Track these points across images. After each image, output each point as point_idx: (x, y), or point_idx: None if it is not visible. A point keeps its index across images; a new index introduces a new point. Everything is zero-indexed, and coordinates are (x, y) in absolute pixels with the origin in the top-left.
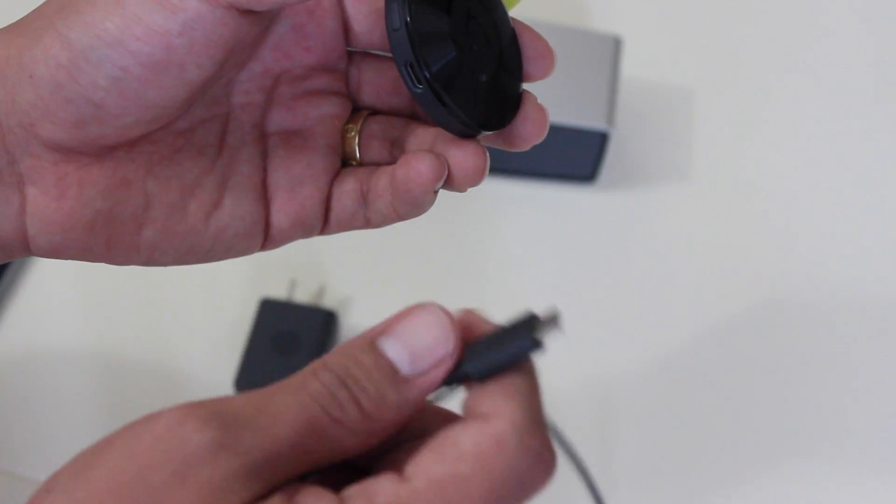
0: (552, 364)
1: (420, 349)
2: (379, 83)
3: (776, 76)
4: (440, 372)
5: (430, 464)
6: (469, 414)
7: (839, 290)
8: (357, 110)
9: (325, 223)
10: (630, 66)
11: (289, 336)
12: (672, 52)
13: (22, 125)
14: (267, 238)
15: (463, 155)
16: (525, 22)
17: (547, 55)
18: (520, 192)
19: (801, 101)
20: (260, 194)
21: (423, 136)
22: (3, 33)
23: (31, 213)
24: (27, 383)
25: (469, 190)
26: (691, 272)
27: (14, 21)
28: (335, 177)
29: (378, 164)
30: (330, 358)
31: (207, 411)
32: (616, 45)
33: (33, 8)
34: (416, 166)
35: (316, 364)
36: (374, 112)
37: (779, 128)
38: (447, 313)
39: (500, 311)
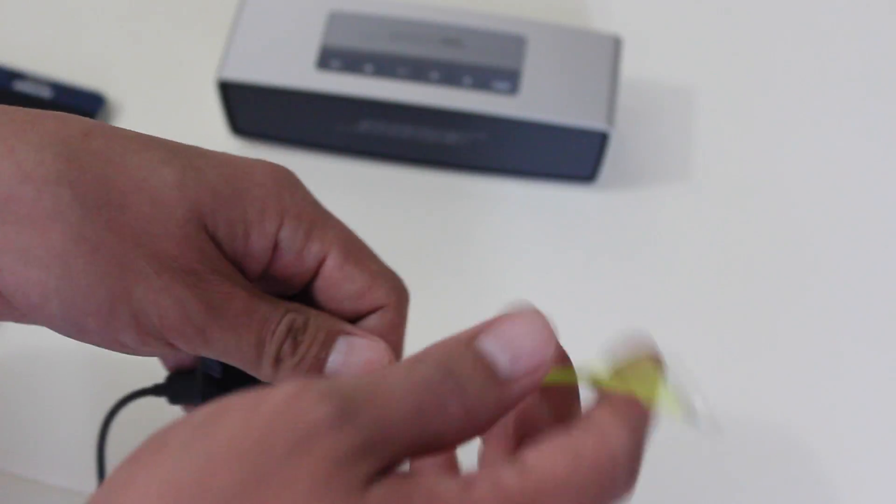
0: None
1: (521, 353)
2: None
3: (776, 76)
4: (537, 377)
5: (552, 460)
6: (589, 415)
7: (840, 290)
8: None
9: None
10: (630, 66)
11: None
12: (672, 52)
13: None
14: None
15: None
16: (525, 22)
17: None
18: (520, 191)
19: (802, 100)
20: None
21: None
22: None
23: None
24: (27, 383)
25: (469, 190)
26: (691, 272)
27: None
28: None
29: None
30: (432, 350)
31: (325, 386)
32: (616, 45)
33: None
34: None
35: (419, 353)
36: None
37: (779, 127)
38: (548, 321)
39: (500, 312)
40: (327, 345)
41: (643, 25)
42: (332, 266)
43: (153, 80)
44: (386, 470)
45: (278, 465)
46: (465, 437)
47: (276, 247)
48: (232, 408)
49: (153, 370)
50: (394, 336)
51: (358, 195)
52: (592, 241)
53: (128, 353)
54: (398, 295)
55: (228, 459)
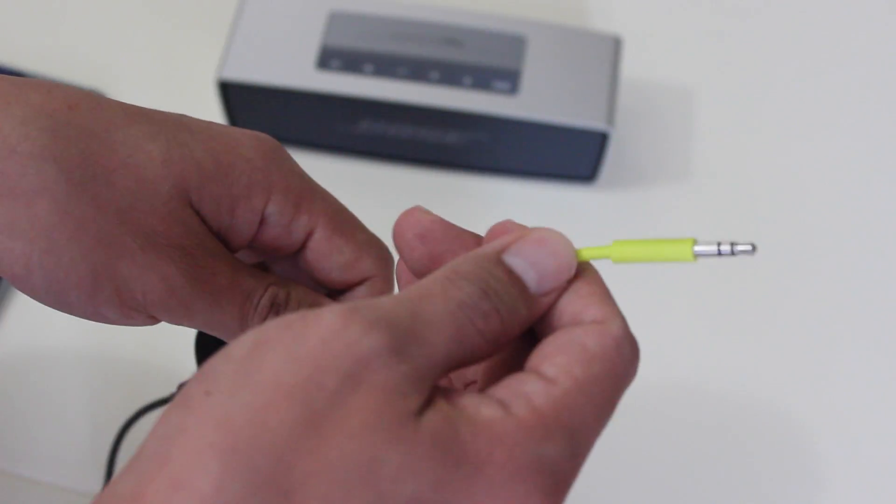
0: None
1: (547, 273)
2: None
3: (776, 76)
4: (556, 295)
5: (570, 366)
6: (577, 320)
7: (840, 290)
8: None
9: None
10: (630, 66)
11: None
12: (672, 52)
13: None
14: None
15: None
16: (525, 22)
17: None
18: (520, 191)
19: (801, 100)
20: None
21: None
22: None
23: None
24: (27, 383)
25: (469, 190)
26: (691, 272)
27: None
28: None
29: None
30: (463, 267)
31: (370, 315)
32: (616, 45)
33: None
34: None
35: (451, 272)
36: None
37: (778, 127)
38: (569, 242)
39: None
40: None
41: (643, 25)
42: (320, 238)
43: (153, 80)
44: (435, 396)
45: (331, 400)
46: (496, 349)
47: (263, 221)
48: (275, 341)
49: (154, 370)
50: None
51: (358, 195)
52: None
53: (108, 324)
54: (386, 264)
55: (282, 398)
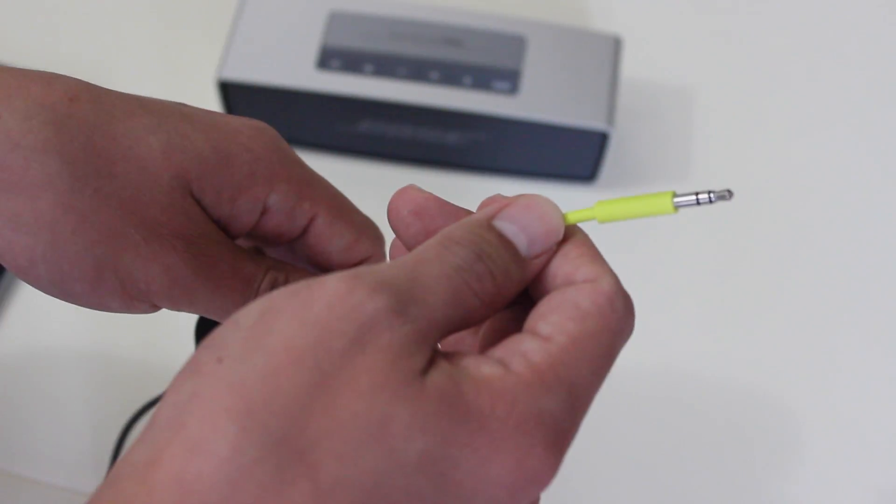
0: None
1: (536, 236)
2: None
3: (776, 76)
4: (546, 258)
5: (564, 323)
6: (570, 280)
7: (840, 290)
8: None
9: None
10: (630, 66)
11: None
12: (672, 52)
13: None
14: None
15: None
16: (525, 22)
17: None
18: (520, 191)
19: (801, 100)
20: None
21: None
22: None
23: None
24: (27, 383)
25: (469, 190)
26: (691, 272)
27: None
28: None
29: None
30: (456, 233)
31: (372, 279)
32: (616, 45)
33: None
34: None
35: (444, 238)
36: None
37: (778, 127)
38: (557, 206)
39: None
40: None
41: (643, 25)
42: (321, 224)
43: (153, 80)
44: (436, 358)
45: (340, 362)
46: (492, 311)
47: (264, 209)
48: (282, 308)
49: (154, 369)
50: None
51: (358, 195)
52: (592, 240)
53: (111, 312)
54: (381, 244)
55: (292, 362)
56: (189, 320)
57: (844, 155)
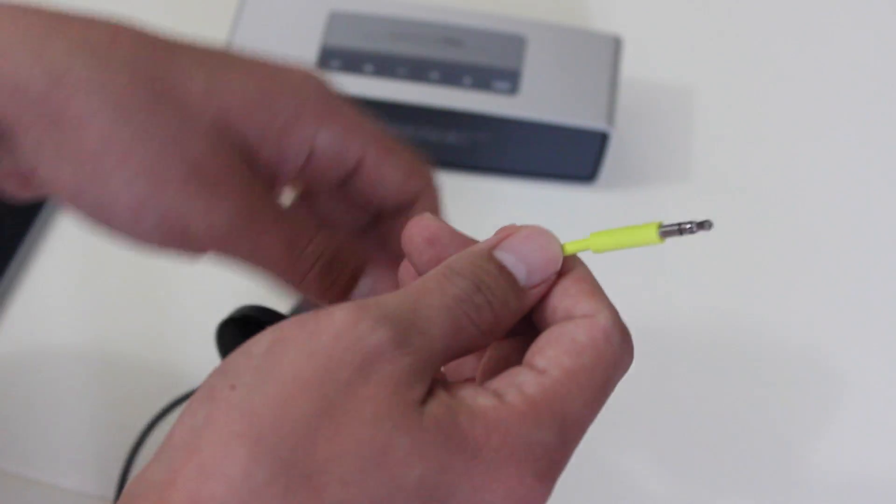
0: None
1: (535, 266)
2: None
3: (776, 76)
4: (545, 288)
5: (559, 357)
6: (569, 314)
7: (840, 290)
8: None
9: None
10: (630, 66)
11: None
12: (672, 52)
13: None
14: None
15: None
16: (525, 22)
17: None
18: (520, 191)
19: (801, 100)
20: None
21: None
22: None
23: None
24: (27, 383)
25: (469, 190)
26: (691, 272)
27: None
28: None
29: None
30: (457, 264)
31: (376, 311)
32: (616, 45)
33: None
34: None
35: (446, 268)
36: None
37: (779, 128)
38: (556, 238)
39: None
40: (355, 278)
41: (643, 25)
42: (370, 163)
43: None
44: (435, 387)
45: (345, 391)
46: (492, 339)
47: (311, 151)
48: (291, 338)
49: (154, 369)
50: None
51: None
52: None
53: (149, 251)
54: (431, 177)
55: (300, 390)
56: (190, 315)
57: (845, 154)
